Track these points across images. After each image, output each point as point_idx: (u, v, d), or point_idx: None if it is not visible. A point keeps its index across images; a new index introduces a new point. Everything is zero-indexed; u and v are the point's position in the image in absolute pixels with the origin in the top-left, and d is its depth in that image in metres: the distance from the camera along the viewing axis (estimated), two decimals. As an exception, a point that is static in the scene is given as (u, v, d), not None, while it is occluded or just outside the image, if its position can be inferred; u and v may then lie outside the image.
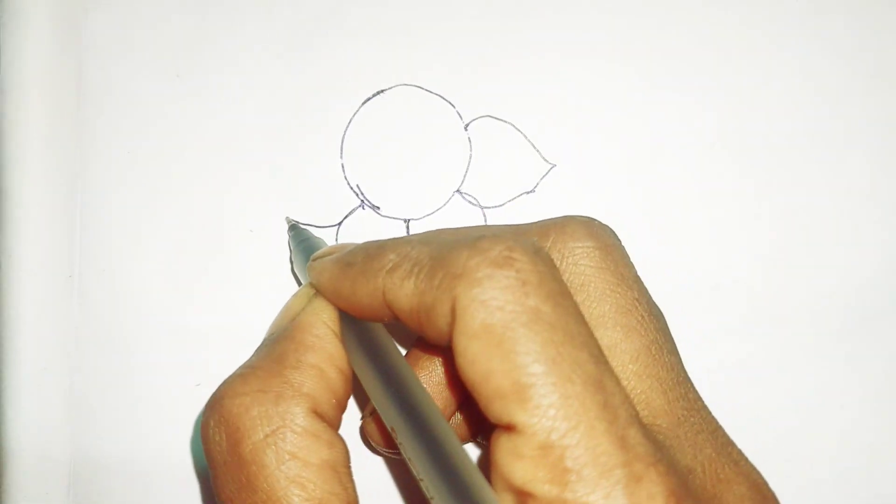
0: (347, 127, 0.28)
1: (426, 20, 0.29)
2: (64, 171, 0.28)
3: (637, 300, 0.21)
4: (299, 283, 0.27)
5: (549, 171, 0.28)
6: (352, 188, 0.28)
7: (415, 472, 0.19)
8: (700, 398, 0.21)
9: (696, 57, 0.29)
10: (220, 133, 0.28)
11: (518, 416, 0.17)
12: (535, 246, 0.19)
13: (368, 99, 0.28)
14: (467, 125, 0.28)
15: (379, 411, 0.21)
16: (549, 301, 0.18)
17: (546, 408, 0.17)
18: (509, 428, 0.17)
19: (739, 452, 0.21)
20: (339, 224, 0.28)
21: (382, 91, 0.28)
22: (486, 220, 0.28)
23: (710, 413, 0.21)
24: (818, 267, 0.29)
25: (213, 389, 0.27)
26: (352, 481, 0.20)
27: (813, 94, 0.29)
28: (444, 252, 0.19)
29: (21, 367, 0.28)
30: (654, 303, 0.22)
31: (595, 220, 0.23)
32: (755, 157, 0.29)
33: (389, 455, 0.25)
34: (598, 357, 0.18)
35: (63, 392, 0.28)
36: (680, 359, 0.22)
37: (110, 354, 0.28)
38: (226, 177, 0.28)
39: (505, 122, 0.28)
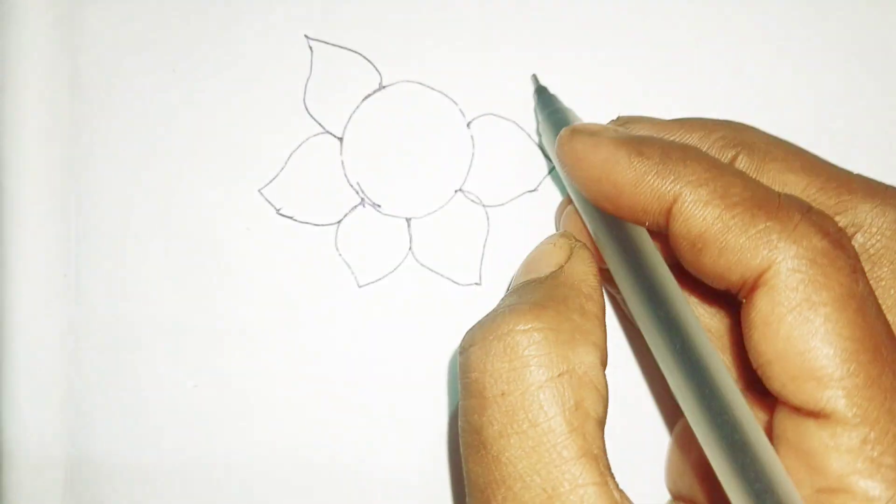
0: (347, 123, 0.28)
1: (429, 16, 0.28)
2: (60, 169, 0.28)
3: None
4: (546, 157, 0.26)
5: (551, 169, 0.28)
6: (352, 186, 0.28)
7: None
8: None
9: (700, 55, 0.29)
10: (218, 130, 0.28)
11: (836, 403, 0.16)
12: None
13: (369, 95, 0.28)
14: (470, 123, 0.28)
15: (663, 369, 0.19)
16: (872, 294, 0.17)
17: (870, 400, 0.16)
18: (818, 415, 0.16)
19: None
20: (339, 222, 0.28)
21: (384, 87, 0.28)
22: (488, 219, 0.28)
23: None
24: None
25: (211, 390, 0.27)
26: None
27: (812, 94, 0.29)
28: (767, 199, 0.18)
29: (17, 366, 0.27)
30: None
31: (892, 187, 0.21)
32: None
33: None
34: None
35: (60, 392, 0.27)
36: None
37: (107, 354, 0.27)
38: (224, 174, 0.28)
39: (508, 119, 0.28)
